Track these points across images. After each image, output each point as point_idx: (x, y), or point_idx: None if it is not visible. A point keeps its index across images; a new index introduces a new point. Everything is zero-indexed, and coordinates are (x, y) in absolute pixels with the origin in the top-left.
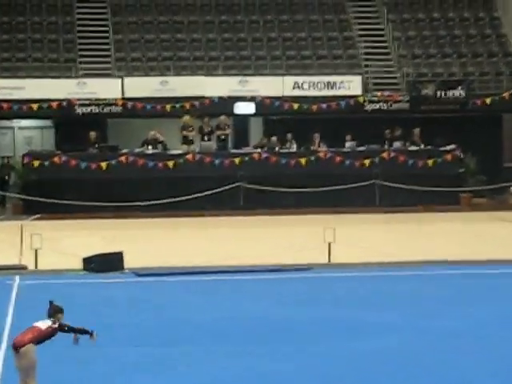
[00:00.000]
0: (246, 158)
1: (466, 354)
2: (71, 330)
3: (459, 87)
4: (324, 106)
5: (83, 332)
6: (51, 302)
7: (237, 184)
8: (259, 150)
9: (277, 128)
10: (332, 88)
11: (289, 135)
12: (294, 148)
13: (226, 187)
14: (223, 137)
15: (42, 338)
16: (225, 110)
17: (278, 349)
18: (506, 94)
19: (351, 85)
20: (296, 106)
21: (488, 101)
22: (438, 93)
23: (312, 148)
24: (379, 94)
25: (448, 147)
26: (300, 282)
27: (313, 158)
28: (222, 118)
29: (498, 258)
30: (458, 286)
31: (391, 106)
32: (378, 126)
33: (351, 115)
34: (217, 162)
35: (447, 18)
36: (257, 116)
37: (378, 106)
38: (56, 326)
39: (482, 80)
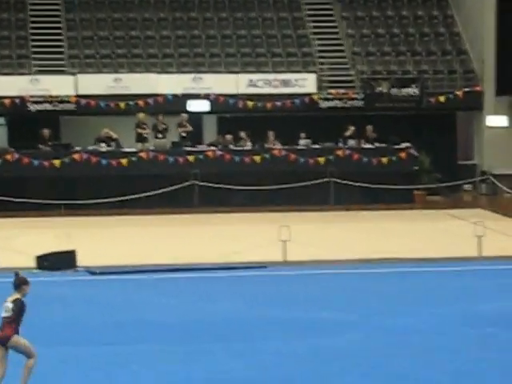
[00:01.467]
0: (200, 156)
1: (425, 352)
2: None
3: (413, 85)
4: (278, 103)
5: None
6: (17, 274)
7: (191, 182)
8: (213, 147)
9: (231, 126)
10: (286, 86)
11: (243, 133)
12: (249, 146)
13: (181, 185)
14: (184, 134)
15: (18, 322)
16: (179, 107)
17: (233, 347)
18: (459, 92)
19: (306, 82)
20: (250, 103)
21: (442, 99)
22: (393, 90)
23: (266, 146)
24: (333, 91)
25: (402, 145)
26: (255, 280)
27: (267, 155)
28: (183, 115)
29: (452, 256)
30: (413, 283)
31: (346, 103)
32: (333, 124)
33: (306, 113)
34: (171, 159)
35: (401, 16)
36: (211, 114)
37: (332, 104)
38: (14, 308)
39: (435, 78)
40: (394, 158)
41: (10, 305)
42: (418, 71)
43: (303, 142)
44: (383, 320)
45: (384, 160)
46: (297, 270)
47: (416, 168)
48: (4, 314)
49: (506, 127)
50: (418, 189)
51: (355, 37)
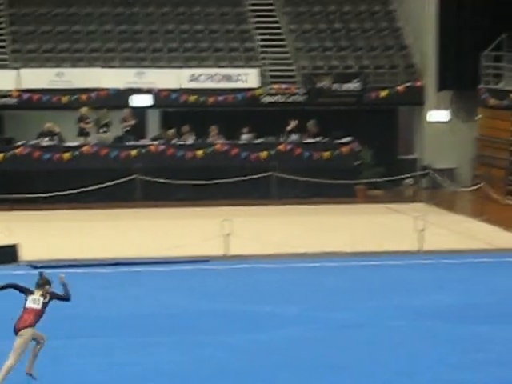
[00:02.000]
0: (143, 151)
1: (363, 345)
2: (57, 297)
3: (355, 80)
4: (221, 98)
5: (64, 296)
6: (41, 273)
7: (133, 176)
8: (156, 142)
9: (174, 120)
10: (229, 81)
11: (186, 127)
12: (191, 140)
13: (123, 179)
14: (128, 128)
15: (40, 316)
16: (122, 101)
17: (176, 340)
18: (400, 87)
19: (248, 77)
20: (193, 98)
21: (383, 94)
22: (334, 86)
23: (209, 140)
24: (276, 86)
25: (344, 140)
26: (198, 273)
27: (209, 150)
28: (127, 110)
29: (393, 250)
30: (354, 277)
31: (288, 98)
32: (275, 119)
33: (248, 108)
34: (113, 154)
35: (343, 12)
36: (154, 108)
37: (274, 99)
38: (47, 300)
39: (377, 73)
40: (335, 153)
41: (40, 298)
42: (360, 66)
43: (245, 137)
44: (323, 314)
45: (326, 154)
46: (239, 263)
47: (358, 162)
48: (33, 306)
49: (447, 122)
50: (359, 183)
51: (297, 32)
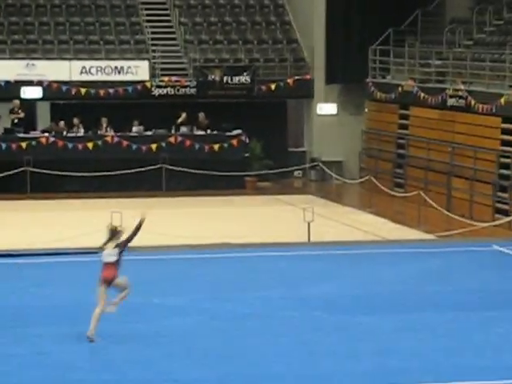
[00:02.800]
0: (33, 143)
1: (250, 335)
2: (130, 240)
3: (245, 73)
4: (111, 90)
5: (136, 232)
6: (110, 224)
7: (24, 168)
8: (46, 134)
9: (64, 112)
10: (119, 73)
11: (76, 120)
12: (82, 132)
13: (13, 171)
14: (16, 120)
15: (118, 266)
16: (12, 93)
17: (62, 331)
18: (290, 80)
19: (138, 70)
20: (84, 90)
21: (273, 87)
22: (225, 78)
23: (99, 132)
24: (166, 79)
25: (234, 132)
26: (87, 265)
27: (100, 142)
28: (15, 101)
29: (282, 241)
30: (243, 268)
31: (178, 91)
32: (166, 111)
33: (138, 100)
34: (3, 146)
35: (233, 5)
36: (44, 100)
37: (165, 91)
38: (119, 250)
39: (267, 66)
40: (225, 145)
41: (114, 250)
42: (250, 59)
43: (136, 129)
44: (212, 304)
45: (216, 147)
46: (129, 255)
47: (247, 155)
48: (109, 259)
49: (335, 115)
50: (249, 175)
51: (188, 25)
